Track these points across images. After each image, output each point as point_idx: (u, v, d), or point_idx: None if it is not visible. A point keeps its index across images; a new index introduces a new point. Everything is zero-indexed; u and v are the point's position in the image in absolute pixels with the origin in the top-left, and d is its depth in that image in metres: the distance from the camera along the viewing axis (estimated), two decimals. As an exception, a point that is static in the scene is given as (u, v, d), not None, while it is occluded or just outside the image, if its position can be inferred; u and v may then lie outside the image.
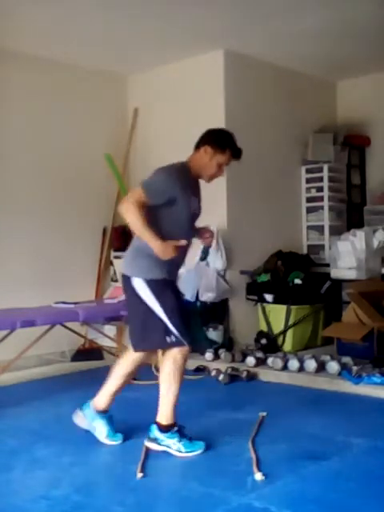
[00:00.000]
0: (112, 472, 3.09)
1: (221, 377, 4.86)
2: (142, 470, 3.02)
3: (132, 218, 3.18)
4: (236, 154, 3.41)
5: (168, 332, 3.26)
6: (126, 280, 3.35)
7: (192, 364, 5.25)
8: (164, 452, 3.27)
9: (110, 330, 5.70)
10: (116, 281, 6.14)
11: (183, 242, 3.27)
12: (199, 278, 5.60)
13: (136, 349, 3.39)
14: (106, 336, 5.50)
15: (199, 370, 5.20)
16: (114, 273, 6.18)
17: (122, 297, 5.34)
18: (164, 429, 3.30)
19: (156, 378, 4.89)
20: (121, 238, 6.19)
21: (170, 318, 3.27)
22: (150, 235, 3.18)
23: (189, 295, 5.55)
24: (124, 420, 3.88)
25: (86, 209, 6.13)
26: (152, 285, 3.28)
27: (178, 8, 4.81)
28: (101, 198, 6.24)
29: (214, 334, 5.66)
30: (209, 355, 5.34)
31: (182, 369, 3.33)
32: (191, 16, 4.97)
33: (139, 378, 4.91)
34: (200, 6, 4.77)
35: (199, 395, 4.46)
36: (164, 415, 3.32)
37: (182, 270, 5.66)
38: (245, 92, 6.04)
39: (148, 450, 3.30)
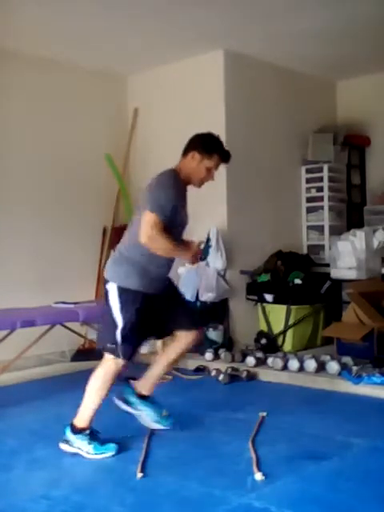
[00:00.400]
0: (112, 472, 3.09)
1: (221, 377, 4.86)
2: (142, 470, 3.02)
3: (163, 247, 3.20)
4: (224, 157, 3.41)
5: (114, 339, 3.28)
6: (105, 282, 3.43)
7: (192, 364, 5.26)
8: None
9: (110, 330, 5.69)
10: (116, 281, 6.13)
11: (197, 242, 3.39)
12: (199, 278, 5.60)
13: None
14: (105, 336, 5.50)
15: (199, 370, 5.20)
16: (114, 273, 6.17)
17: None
18: (76, 430, 3.30)
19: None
20: (121, 238, 6.17)
21: (123, 328, 3.27)
22: (181, 250, 3.29)
23: (189, 295, 5.56)
24: (124, 420, 3.89)
25: (85, 209, 6.12)
26: (122, 293, 3.29)
27: (178, 8, 4.81)
28: (101, 197, 6.24)
29: (213, 334, 5.66)
30: (209, 355, 5.34)
31: (113, 379, 3.33)
32: (191, 16, 4.97)
33: (139, 378, 4.92)
34: (200, 5, 4.77)
35: (199, 395, 4.46)
36: (81, 418, 3.33)
37: (181, 270, 5.73)
38: (245, 92, 6.04)
39: (148, 449, 3.31)
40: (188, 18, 5.02)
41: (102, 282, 6.18)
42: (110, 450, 3.26)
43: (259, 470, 2.97)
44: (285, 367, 4.91)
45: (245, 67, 6.02)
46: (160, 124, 6.24)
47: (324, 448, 3.33)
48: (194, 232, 5.38)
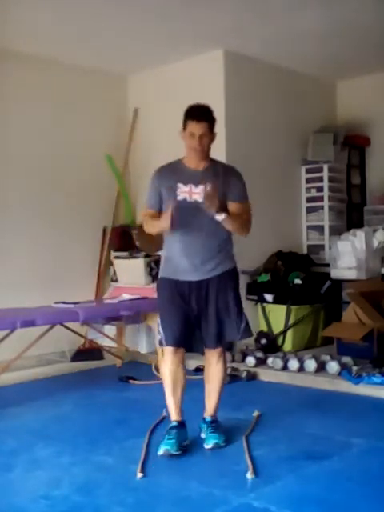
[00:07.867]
0: (112, 472, 3.09)
1: (221, 377, 4.85)
2: (142, 470, 3.02)
3: (147, 228, 3.46)
4: (192, 116, 3.39)
5: (160, 330, 3.43)
6: None
7: (192, 364, 5.25)
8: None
9: (110, 330, 5.70)
10: (116, 281, 6.13)
11: (169, 211, 3.21)
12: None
13: None
14: (105, 336, 5.50)
15: (199, 369, 5.18)
16: (114, 273, 6.17)
17: (122, 297, 5.38)
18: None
19: (156, 377, 4.91)
20: (121, 238, 6.18)
21: (160, 318, 3.42)
22: (158, 222, 3.31)
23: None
24: (124, 420, 3.89)
25: (85, 209, 6.12)
26: (157, 283, 3.54)
27: (178, 8, 4.81)
28: (101, 197, 6.24)
29: (213, 334, 5.65)
30: (209, 355, 5.33)
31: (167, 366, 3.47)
32: (191, 16, 4.97)
33: (139, 378, 4.92)
34: (200, 6, 4.77)
35: (199, 395, 4.44)
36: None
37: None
38: (245, 92, 6.03)
39: (148, 449, 3.30)
40: (188, 18, 5.02)
41: (102, 281, 6.22)
42: None
43: (253, 469, 2.97)
44: (285, 367, 4.91)
45: (245, 67, 6.02)
46: (160, 124, 6.23)
47: (324, 448, 3.33)
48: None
